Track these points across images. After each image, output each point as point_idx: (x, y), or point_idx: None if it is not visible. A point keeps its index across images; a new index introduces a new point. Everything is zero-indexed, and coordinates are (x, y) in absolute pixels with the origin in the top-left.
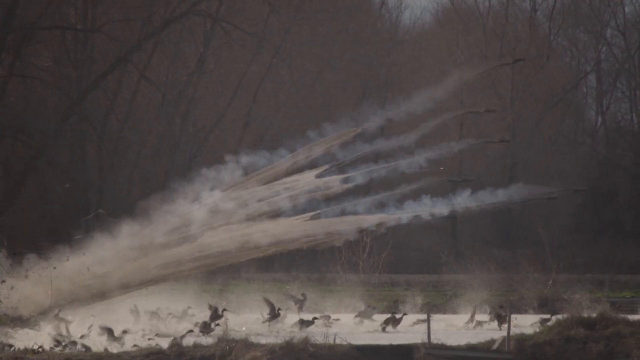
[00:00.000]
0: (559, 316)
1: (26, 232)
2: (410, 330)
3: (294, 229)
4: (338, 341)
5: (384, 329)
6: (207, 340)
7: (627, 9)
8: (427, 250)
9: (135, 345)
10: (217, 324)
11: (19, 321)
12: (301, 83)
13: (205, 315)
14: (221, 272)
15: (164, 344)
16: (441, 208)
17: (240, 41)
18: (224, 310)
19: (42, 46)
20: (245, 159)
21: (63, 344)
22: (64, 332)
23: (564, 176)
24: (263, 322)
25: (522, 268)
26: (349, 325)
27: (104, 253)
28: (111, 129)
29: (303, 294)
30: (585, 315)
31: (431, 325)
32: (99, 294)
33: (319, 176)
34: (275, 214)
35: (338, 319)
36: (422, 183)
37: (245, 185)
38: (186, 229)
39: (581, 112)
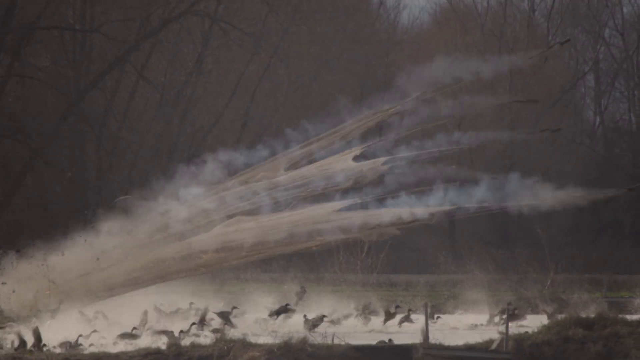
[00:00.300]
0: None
1: (24, 232)
2: (409, 330)
3: (327, 218)
4: (336, 341)
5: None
6: (206, 340)
7: (625, 9)
8: (426, 250)
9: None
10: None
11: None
12: (299, 83)
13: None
14: (220, 273)
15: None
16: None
17: (239, 41)
18: (234, 308)
19: (41, 46)
20: (224, 157)
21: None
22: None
23: (563, 176)
24: (270, 316)
25: (521, 268)
26: (355, 324)
27: (107, 246)
28: (109, 129)
29: (302, 287)
30: (584, 315)
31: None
32: (104, 289)
33: (356, 160)
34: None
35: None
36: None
37: (253, 176)
38: (201, 221)
39: (579, 112)
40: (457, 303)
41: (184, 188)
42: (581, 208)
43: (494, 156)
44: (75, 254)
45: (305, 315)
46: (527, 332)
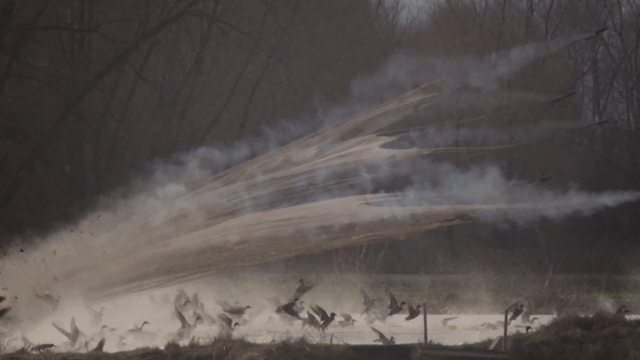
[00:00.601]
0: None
1: (23, 232)
2: (409, 330)
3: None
4: (335, 341)
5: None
6: (205, 340)
7: (623, 9)
8: (424, 250)
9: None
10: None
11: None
12: (298, 83)
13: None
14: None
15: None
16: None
17: (237, 41)
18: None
19: (39, 46)
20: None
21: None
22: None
23: (562, 176)
24: (362, 314)
25: (519, 268)
26: (363, 324)
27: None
28: (108, 129)
29: (301, 280)
30: (582, 315)
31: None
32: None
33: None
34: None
35: (355, 320)
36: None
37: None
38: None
39: (578, 112)
40: (456, 303)
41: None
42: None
43: (492, 156)
44: (74, 251)
45: (309, 313)
46: (525, 331)
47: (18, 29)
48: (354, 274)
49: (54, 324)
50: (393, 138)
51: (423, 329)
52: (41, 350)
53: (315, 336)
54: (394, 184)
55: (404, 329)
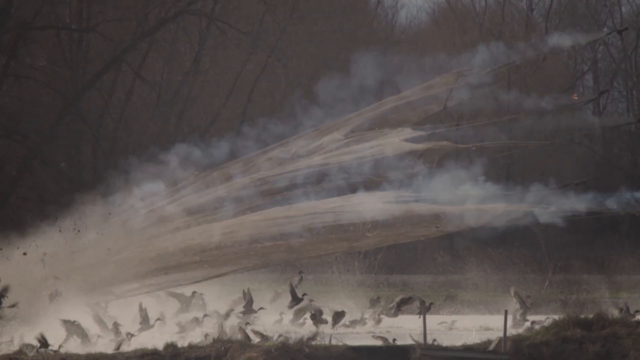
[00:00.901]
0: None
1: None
2: (408, 330)
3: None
4: (334, 342)
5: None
6: (204, 341)
7: (624, 9)
8: (423, 250)
9: None
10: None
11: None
12: (297, 83)
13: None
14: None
15: None
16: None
17: (236, 40)
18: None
19: (37, 46)
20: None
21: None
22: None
23: (562, 176)
24: (289, 307)
25: (519, 268)
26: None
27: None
28: (106, 129)
29: (300, 272)
30: (582, 315)
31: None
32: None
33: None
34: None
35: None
36: None
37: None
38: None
39: (578, 112)
40: (455, 304)
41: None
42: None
43: (491, 155)
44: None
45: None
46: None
47: (16, 28)
48: (353, 275)
49: (63, 321)
50: (422, 132)
51: (422, 329)
52: (39, 351)
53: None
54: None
55: (404, 330)
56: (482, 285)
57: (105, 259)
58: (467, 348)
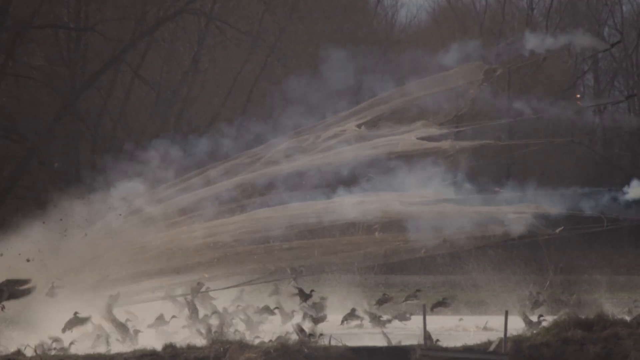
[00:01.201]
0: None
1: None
2: (408, 331)
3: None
4: (333, 342)
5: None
6: (202, 341)
7: (624, 8)
8: None
9: None
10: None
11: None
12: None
13: None
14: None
15: None
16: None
17: (235, 40)
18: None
19: (35, 45)
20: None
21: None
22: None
23: (562, 176)
24: (300, 305)
25: (519, 269)
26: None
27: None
28: (105, 129)
29: (300, 268)
30: (583, 316)
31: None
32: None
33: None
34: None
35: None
36: None
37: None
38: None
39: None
40: (456, 304)
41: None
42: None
43: (492, 156)
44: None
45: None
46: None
47: (14, 27)
48: (352, 275)
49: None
50: (443, 130)
51: (422, 329)
52: (37, 352)
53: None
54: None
55: (405, 330)
56: (482, 285)
57: (91, 260)
58: (467, 349)
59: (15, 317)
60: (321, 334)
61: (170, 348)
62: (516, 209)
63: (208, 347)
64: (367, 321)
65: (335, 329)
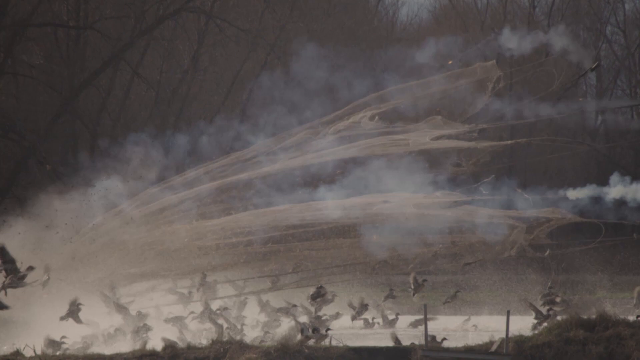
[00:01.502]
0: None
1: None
2: (409, 331)
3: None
4: (334, 343)
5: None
6: (202, 341)
7: (627, 6)
8: None
9: None
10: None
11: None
12: (297, 80)
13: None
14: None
15: None
16: None
17: (235, 38)
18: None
19: (34, 43)
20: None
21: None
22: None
23: (563, 175)
24: (311, 301)
25: (521, 268)
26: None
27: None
28: (104, 128)
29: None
30: (585, 316)
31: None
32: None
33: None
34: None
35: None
36: None
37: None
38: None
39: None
40: (457, 304)
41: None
42: (582, 208)
43: (493, 155)
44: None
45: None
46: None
47: (13, 25)
48: (352, 274)
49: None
50: (464, 128)
51: (424, 330)
52: (36, 352)
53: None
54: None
55: (405, 330)
56: (483, 285)
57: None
58: (468, 349)
59: (13, 317)
60: (328, 329)
61: (169, 348)
62: (538, 213)
63: (208, 347)
64: (376, 319)
65: (338, 327)
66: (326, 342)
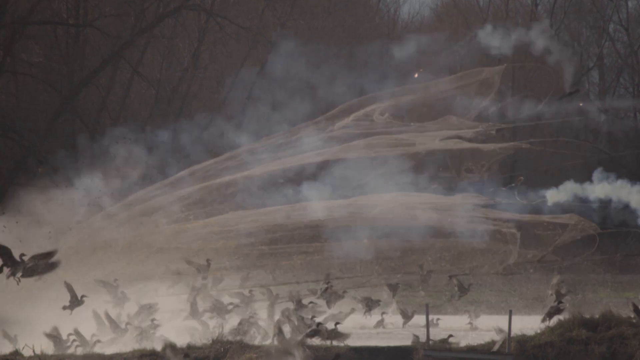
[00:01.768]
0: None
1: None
2: (410, 331)
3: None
4: (334, 342)
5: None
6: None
7: (630, 4)
8: None
9: None
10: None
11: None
12: (297, 78)
13: None
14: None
15: None
16: None
17: (235, 36)
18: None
19: (33, 42)
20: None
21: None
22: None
23: (565, 174)
24: (320, 296)
25: (523, 268)
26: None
27: None
28: (103, 126)
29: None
30: (588, 316)
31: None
32: None
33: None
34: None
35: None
36: None
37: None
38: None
39: (583, 109)
40: (458, 304)
41: None
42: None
43: (506, 156)
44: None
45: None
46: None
47: (12, 23)
48: (354, 273)
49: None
50: (480, 128)
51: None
52: (35, 352)
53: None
54: None
55: (404, 330)
56: (486, 285)
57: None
58: (470, 349)
59: (11, 317)
60: (338, 322)
61: (170, 348)
62: (553, 219)
63: (208, 347)
64: (387, 315)
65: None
66: (326, 342)
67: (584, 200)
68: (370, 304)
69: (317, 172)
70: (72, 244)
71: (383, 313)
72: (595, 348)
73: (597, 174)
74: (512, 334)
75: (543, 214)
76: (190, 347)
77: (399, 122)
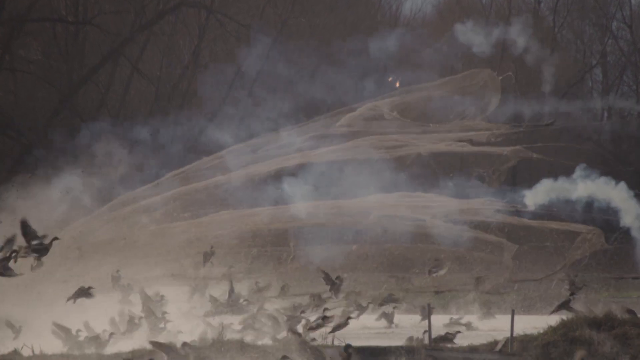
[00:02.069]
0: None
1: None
2: (410, 331)
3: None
4: (336, 342)
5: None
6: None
7: (633, 1)
8: None
9: None
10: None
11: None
12: (299, 76)
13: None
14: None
15: None
16: None
17: (236, 33)
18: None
19: (32, 39)
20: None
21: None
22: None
23: (567, 173)
24: (330, 294)
25: (525, 267)
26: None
27: None
28: (103, 124)
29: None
30: (591, 315)
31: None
32: None
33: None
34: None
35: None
36: None
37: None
38: None
39: (587, 107)
40: (460, 303)
41: None
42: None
43: (496, 153)
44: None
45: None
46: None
47: (10, 21)
48: (354, 273)
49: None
50: (505, 130)
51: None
52: (34, 352)
53: (316, 337)
54: None
55: (405, 330)
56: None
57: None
58: (472, 349)
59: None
60: (350, 317)
61: (186, 346)
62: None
63: (208, 347)
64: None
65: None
66: (327, 342)
67: (569, 201)
68: (384, 301)
69: (322, 171)
70: (69, 244)
71: (394, 307)
72: (598, 348)
73: (578, 171)
74: (515, 334)
75: (560, 220)
76: (190, 347)
77: (409, 121)
